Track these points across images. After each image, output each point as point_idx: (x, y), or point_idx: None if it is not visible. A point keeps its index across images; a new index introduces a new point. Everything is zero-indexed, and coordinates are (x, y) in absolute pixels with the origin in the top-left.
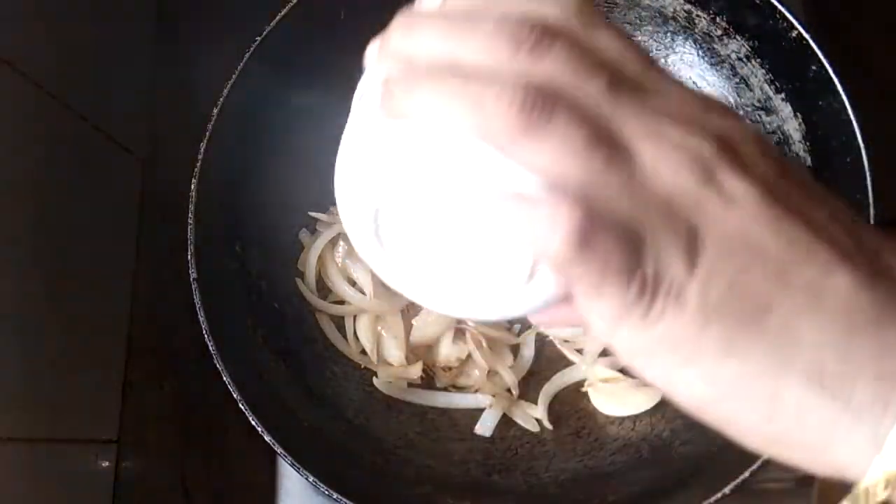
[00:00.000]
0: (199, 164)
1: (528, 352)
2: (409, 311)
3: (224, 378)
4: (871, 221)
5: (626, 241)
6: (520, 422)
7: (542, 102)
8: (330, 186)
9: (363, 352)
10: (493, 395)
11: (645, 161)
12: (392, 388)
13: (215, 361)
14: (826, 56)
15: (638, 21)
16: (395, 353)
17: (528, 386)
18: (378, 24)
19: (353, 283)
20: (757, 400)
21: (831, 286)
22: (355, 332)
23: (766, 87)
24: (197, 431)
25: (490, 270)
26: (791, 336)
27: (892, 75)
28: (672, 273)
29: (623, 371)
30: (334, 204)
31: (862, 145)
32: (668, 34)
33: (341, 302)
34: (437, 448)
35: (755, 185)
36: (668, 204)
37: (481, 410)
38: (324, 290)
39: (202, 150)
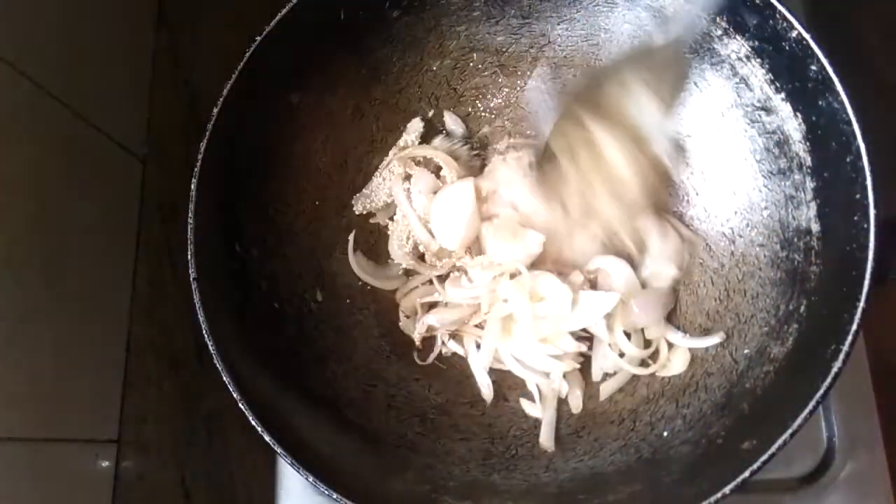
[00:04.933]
0: (199, 164)
1: None
2: None
3: (224, 378)
4: (872, 221)
5: None
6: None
7: None
8: (329, 184)
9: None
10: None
11: None
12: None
13: (215, 361)
14: (826, 56)
15: (638, 21)
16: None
17: None
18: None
19: None
20: None
21: None
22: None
23: (766, 87)
24: (197, 431)
25: None
26: None
27: (892, 75)
28: None
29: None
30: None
31: (862, 145)
32: (668, 34)
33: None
34: (437, 448)
35: None
36: None
37: (482, 412)
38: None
39: (202, 150)
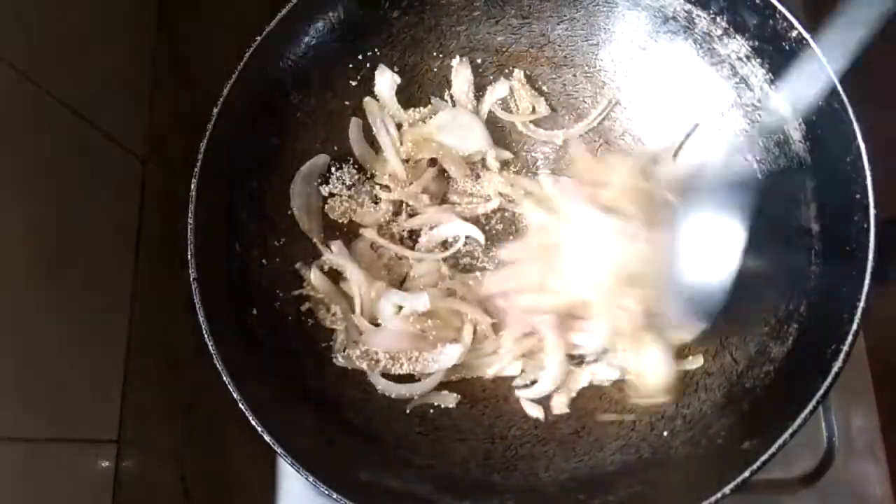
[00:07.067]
0: (199, 164)
1: None
2: None
3: (224, 378)
4: (872, 221)
5: None
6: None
7: None
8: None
9: None
10: None
11: None
12: None
13: (215, 361)
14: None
15: (638, 21)
16: None
17: None
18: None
19: None
20: None
21: None
22: None
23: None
24: (197, 431)
25: None
26: None
27: (892, 75)
28: None
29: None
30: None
31: (862, 145)
32: (668, 34)
33: None
34: (437, 448)
35: None
36: None
37: (482, 412)
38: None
39: (202, 150)
